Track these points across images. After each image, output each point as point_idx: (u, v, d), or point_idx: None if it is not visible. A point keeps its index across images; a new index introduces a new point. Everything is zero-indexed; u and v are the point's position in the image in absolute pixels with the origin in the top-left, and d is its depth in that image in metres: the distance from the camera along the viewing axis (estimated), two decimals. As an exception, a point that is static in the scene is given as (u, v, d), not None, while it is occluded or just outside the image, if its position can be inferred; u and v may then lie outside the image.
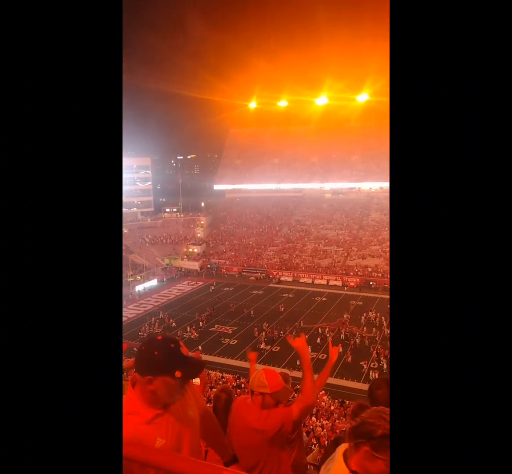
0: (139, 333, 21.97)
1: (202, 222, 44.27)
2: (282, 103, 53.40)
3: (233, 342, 20.95)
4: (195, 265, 36.95)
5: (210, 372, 16.36)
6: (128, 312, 26.37)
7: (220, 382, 14.39)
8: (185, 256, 38.60)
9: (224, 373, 16.23)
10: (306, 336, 2.05)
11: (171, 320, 23.86)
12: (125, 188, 45.87)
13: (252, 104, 55.07)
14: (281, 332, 21.09)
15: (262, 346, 19.77)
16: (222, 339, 21.33)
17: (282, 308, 25.18)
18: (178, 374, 1.22)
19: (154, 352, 1.24)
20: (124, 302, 28.04)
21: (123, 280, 28.92)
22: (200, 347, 19.68)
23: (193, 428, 1.39)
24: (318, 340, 19.24)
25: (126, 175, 46.28)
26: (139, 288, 31.36)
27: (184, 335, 21.75)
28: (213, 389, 10.51)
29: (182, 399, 1.37)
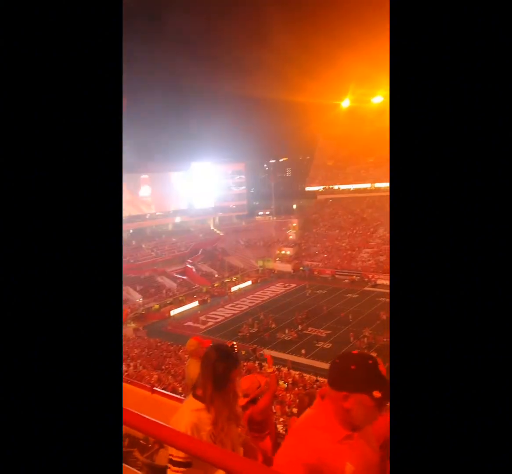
0: (239, 334, 22.64)
1: (294, 225, 44.38)
2: (377, 99, 51.02)
3: (327, 345, 20.51)
4: (287, 267, 37.15)
5: (304, 374, 16.23)
6: (225, 311, 27.50)
7: (314, 386, 14.17)
8: (277, 258, 39.05)
9: (318, 377, 15.92)
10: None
11: (270, 321, 24.16)
12: (221, 193, 48.19)
13: (345, 103, 53.62)
14: (385, 339, 20.02)
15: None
16: (316, 342, 21.02)
17: (382, 314, 23.92)
18: (377, 394, 1.10)
19: (351, 366, 1.13)
20: (221, 302, 29.34)
21: (220, 281, 30.22)
22: (303, 351, 19.62)
23: (377, 465, 1.21)
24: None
25: (222, 181, 48.57)
26: (235, 289, 32.56)
27: (278, 337, 21.93)
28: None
29: (371, 427, 1.22)
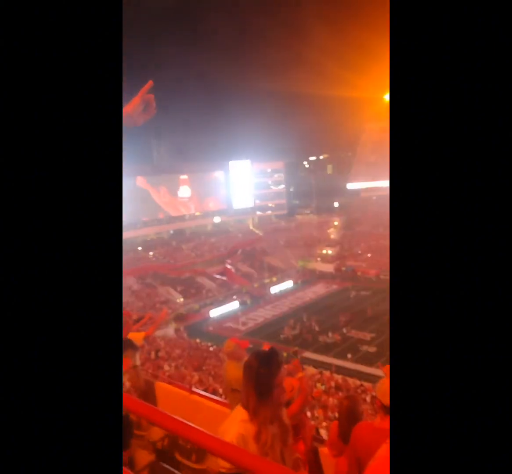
0: (281, 336, 22.51)
1: (336, 224, 43.65)
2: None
3: (371, 349, 19.96)
4: (329, 268, 36.58)
5: (347, 378, 15.89)
6: (265, 313, 27.51)
7: (358, 390, 13.82)
8: (319, 258, 38.57)
9: (363, 381, 15.51)
10: None
11: (313, 324, 23.79)
12: (259, 192, 48.28)
13: (388, 96, 52.03)
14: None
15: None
16: (360, 345, 20.51)
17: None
18: None
19: None
20: (261, 303, 29.40)
21: (260, 281, 30.29)
22: (349, 356, 19.24)
23: None
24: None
25: (260, 180, 48.65)
26: (275, 289, 32.47)
27: (320, 340, 21.64)
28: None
29: None
